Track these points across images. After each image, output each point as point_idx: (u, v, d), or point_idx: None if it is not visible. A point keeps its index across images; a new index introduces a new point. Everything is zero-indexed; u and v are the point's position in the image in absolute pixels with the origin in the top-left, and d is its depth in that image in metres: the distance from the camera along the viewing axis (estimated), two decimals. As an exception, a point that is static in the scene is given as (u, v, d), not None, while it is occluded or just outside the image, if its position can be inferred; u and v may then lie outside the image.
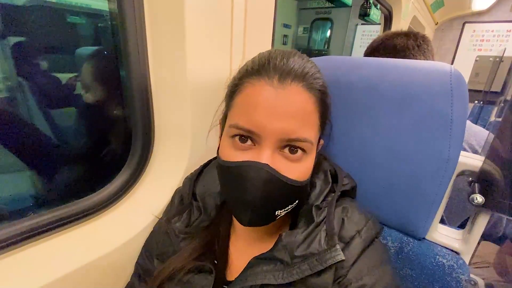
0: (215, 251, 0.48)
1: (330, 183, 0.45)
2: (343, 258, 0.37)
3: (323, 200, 0.43)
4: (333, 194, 0.44)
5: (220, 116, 0.47)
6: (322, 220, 0.41)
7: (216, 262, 0.47)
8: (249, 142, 0.38)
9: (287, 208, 0.40)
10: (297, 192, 0.40)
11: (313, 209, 0.41)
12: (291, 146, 0.38)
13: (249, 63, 0.42)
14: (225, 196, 0.44)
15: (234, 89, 0.41)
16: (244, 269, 0.42)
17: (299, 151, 0.38)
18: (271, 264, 0.40)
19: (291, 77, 0.37)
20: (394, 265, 0.52)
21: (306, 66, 0.39)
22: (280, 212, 0.40)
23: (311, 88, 0.38)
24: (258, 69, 0.39)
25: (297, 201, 0.42)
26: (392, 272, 0.41)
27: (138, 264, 0.54)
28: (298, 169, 0.39)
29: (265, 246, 0.43)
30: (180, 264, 0.45)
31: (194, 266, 0.45)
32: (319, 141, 0.44)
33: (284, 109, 0.36)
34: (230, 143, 0.40)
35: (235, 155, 0.39)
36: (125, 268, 0.55)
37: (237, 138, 0.39)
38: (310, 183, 0.45)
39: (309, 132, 0.39)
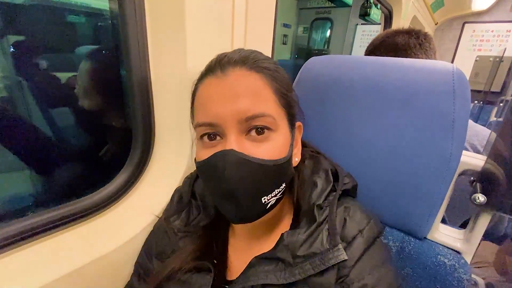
0: (214, 251, 0.48)
1: (332, 182, 0.45)
2: (346, 257, 0.37)
3: (325, 199, 0.43)
4: (334, 193, 0.44)
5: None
6: (324, 220, 0.40)
7: (215, 261, 0.46)
8: (217, 138, 0.40)
9: (273, 193, 0.40)
10: (277, 173, 0.40)
11: (315, 208, 0.41)
12: (255, 127, 0.38)
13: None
14: (212, 198, 0.45)
15: (192, 95, 0.44)
16: (245, 269, 0.42)
17: (266, 131, 0.38)
18: (273, 264, 0.40)
19: (231, 65, 0.39)
20: (395, 265, 0.51)
21: (246, 54, 0.41)
22: (268, 199, 0.39)
23: (255, 67, 0.40)
24: (207, 70, 0.42)
25: (283, 185, 0.41)
26: (394, 271, 0.40)
27: (137, 264, 0.54)
28: (268, 148, 0.39)
29: (265, 246, 0.43)
30: (179, 264, 0.45)
31: (193, 266, 0.44)
32: (292, 122, 0.44)
33: (232, 92, 0.38)
34: (201, 145, 0.41)
35: (206, 153, 0.39)
36: (124, 267, 0.55)
37: (205, 137, 0.40)
38: (312, 182, 0.45)
39: (264, 106, 0.38)
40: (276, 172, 0.39)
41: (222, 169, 0.36)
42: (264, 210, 0.40)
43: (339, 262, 0.37)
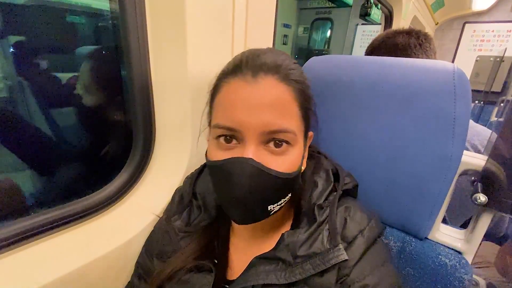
0: (215, 251, 0.48)
1: (332, 182, 0.45)
2: (347, 258, 0.37)
3: (325, 199, 0.43)
4: (335, 193, 0.43)
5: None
6: (325, 220, 0.40)
7: (216, 261, 0.46)
8: (234, 141, 0.39)
9: (279, 202, 0.40)
10: (287, 185, 0.40)
11: (316, 208, 0.41)
12: (275, 140, 0.38)
13: (226, 65, 0.43)
14: (218, 197, 0.44)
15: (213, 91, 0.42)
16: (245, 268, 0.42)
17: (284, 144, 0.38)
18: (273, 263, 0.40)
19: (263, 71, 0.37)
20: (396, 265, 0.51)
21: (279, 59, 0.39)
22: (274, 207, 0.40)
23: (286, 79, 0.38)
24: (232, 69, 0.39)
25: (289, 195, 0.41)
26: (395, 272, 0.40)
27: (138, 264, 0.54)
28: (284, 162, 0.39)
29: (266, 246, 0.43)
30: (180, 264, 0.45)
31: (194, 266, 0.44)
32: (307, 134, 0.44)
33: (260, 102, 0.36)
34: (216, 144, 0.40)
35: (221, 155, 0.39)
36: (125, 267, 0.55)
37: (221, 138, 0.39)
38: (312, 182, 0.44)
39: (289, 122, 0.38)
40: (287, 184, 0.40)
41: (238, 177, 0.36)
42: (267, 215, 0.41)
43: (339, 262, 0.37)
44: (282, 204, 0.41)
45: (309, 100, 0.43)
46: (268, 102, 0.37)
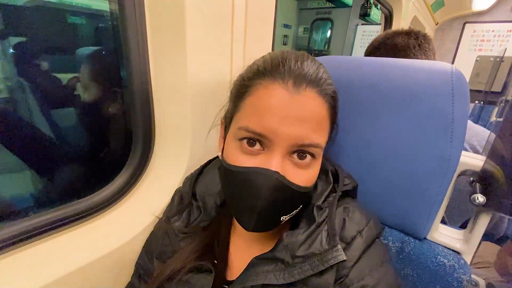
0: (215, 251, 0.48)
1: (332, 183, 0.45)
2: (345, 258, 0.37)
3: (324, 200, 0.43)
4: (334, 194, 0.44)
5: (222, 115, 0.47)
6: (324, 220, 0.40)
7: (215, 262, 0.46)
8: (257, 146, 0.37)
9: (291, 213, 0.40)
10: (303, 198, 0.40)
11: (315, 209, 0.41)
12: (300, 151, 0.37)
13: (259, 63, 0.40)
14: (229, 200, 0.43)
15: (243, 90, 0.39)
16: (245, 269, 0.42)
17: (308, 156, 0.37)
18: (272, 264, 0.40)
19: (306, 82, 0.36)
20: (395, 265, 0.51)
21: (320, 71, 0.38)
22: (285, 218, 0.40)
23: (325, 94, 0.38)
24: (271, 71, 0.37)
25: (301, 206, 0.42)
26: (393, 272, 0.40)
27: (138, 264, 0.54)
28: (306, 175, 0.38)
29: (265, 246, 0.43)
30: (180, 264, 0.45)
31: (194, 266, 0.44)
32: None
33: (298, 114, 0.35)
34: (237, 146, 0.38)
35: (243, 159, 0.37)
36: (125, 268, 0.55)
37: (245, 141, 0.37)
38: None
39: (322, 137, 0.38)
40: (302, 198, 0.40)
41: (260, 188, 0.35)
42: (278, 224, 0.41)
43: (338, 263, 0.37)
44: (293, 214, 0.41)
45: (337, 114, 0.43)
46: (306, 116, 0.35)
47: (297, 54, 0.39)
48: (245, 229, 0.39)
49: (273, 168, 0.35)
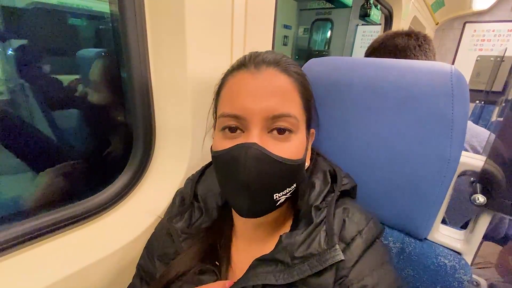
0: (217, 253, 0.48)
1: (330, 183, 0.45)
2: (343, 258, 0.37)
3: (323, 201, 0.43)
4: (332, 194, 0.44)
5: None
6: (322, 221, 0.41)
7: (217, 263, 0.47)
8: (238, 131, 0.40)
9: (285, 191, 0.41)
10: (292, 173, 0.41)
11: (313, 209, 0.41)
12: (278, 128, 0.39)
13: (230, 66, 0.45)
14: (222, 188, 0.45)
15: (219, 87, 0.45)
16: (246, 270, 0.42)
17: (287, 132, 0.40)
18: (272, 265, 0.40)
19: (265, 64, 0.41)
20: (395, 266, 0.51)
21: (278, 57, 0.43)
22: (279, 196, 0.40)
23: (286, 70, 0.41)
24: (237, 66, 0.43)
25: (294, 185, 0.42)
26: (394, 272, 0.40)
27: (139, 266, 0.54)
28: (287, 148, 0.40)
29: (266, 247, 0.43)
30: (183, 267, 0.45)
31: (197, 268, 0.45)
32: (309, 126, 0.46)
33: (263, 90, 0.39)
34: (222, 136, 0.42)
35: (226, 143, 0.40)
36: (126, 269, 0.55)
37: (227, 129, 0.41)
38: (310, 184, 0.45)
39: (292, 108, 0.40)
40: (291, 172, 0.40)
41: (243, 161, 0.37)
42: (273, 206, 0.41)
43: (337, 263, 0.37)
44: (287, 194, 0.41)
45: (309, 92, 0.45)
46: (271, 90, 0.39)
47: (264, 52, 0.44)
48: (241, 214, 0.41)
49: (250, 141, 0.38)
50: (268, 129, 0.39)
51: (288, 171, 0.40)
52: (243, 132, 0.40)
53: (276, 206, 0.41)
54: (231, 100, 0.41)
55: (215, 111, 0.46)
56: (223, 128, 0.41)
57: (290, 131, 0.40)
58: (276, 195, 0.40)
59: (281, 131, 0.39)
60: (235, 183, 0.39)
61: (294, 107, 0.41)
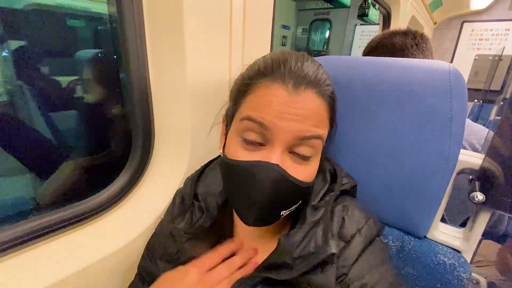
0: None
1: (328, 182, 0.45)
2: (334, 251, 0.37)
3: (320, 200, 0.43)
4: (331, 193, 0.44)
5: (221, 115, 0.48)
6: (319, 220, 0.41)
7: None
8: (259, 140, 0.38)
9: (291, 208, 0.41)
10: (303, 193, 0.41)
11: (310, 209, 0.42)
12: (300, 145, 0.38)
13: (260, 63, 0.41)
14: (230, 195, 0.44)
15: (244, 88, 0.40)
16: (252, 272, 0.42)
17: (307, 150, 0.38)
18: (273, 267, 0.40)
19: (305, 83, 0.37)
20: (395, 264, 0.51)
21: (319, 72, 0.39)
22: (285, 212, 0.40)
23: (323, 94, 0.39)
24: (271, 71, 0.38)
25: (300, 202, 0.42)
26: (393, 270, 0.40)
27: (140, 267, 0.54)
28: (306, 171, 0.39)
29: (267, 247, 0.44)
30: None
31: None
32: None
33: (297, 112, 0.36)
34: (239, 142, 0.39)
35: (244, 154, 0.38)
36: (127, 269, 0.55)
37: (246, 134, 0.38)
38: None
39: (322, 130, 0.39)
40: (302, 193, 0.40)
41: (261, 180, 0.36)
42: (277, 219, 0.41)
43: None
44: (292, 210, 0.41)
45: (335, 115, 0.44)
46: (305, 114, 0.37)
47: (297, 55, 0.40)
48: (246, 223, 0.40)
49: (273, 161, 0.36)
50: (291, 148, 0.38)
51: (300, 193, 0.40)
52: (264, 145, 0.38)
53: (280, 218, 0.41)
54: (259, 109, 0.37)
55: (233, 112, 0.43)
56: (242, 132, 0.39)
57: (312, 150, 0.39)
58: (282, 212, 0.40)
59: (301, 151, 0.38)
60: (247, 198, 0.38)
61: (323, 129, 0.40)
